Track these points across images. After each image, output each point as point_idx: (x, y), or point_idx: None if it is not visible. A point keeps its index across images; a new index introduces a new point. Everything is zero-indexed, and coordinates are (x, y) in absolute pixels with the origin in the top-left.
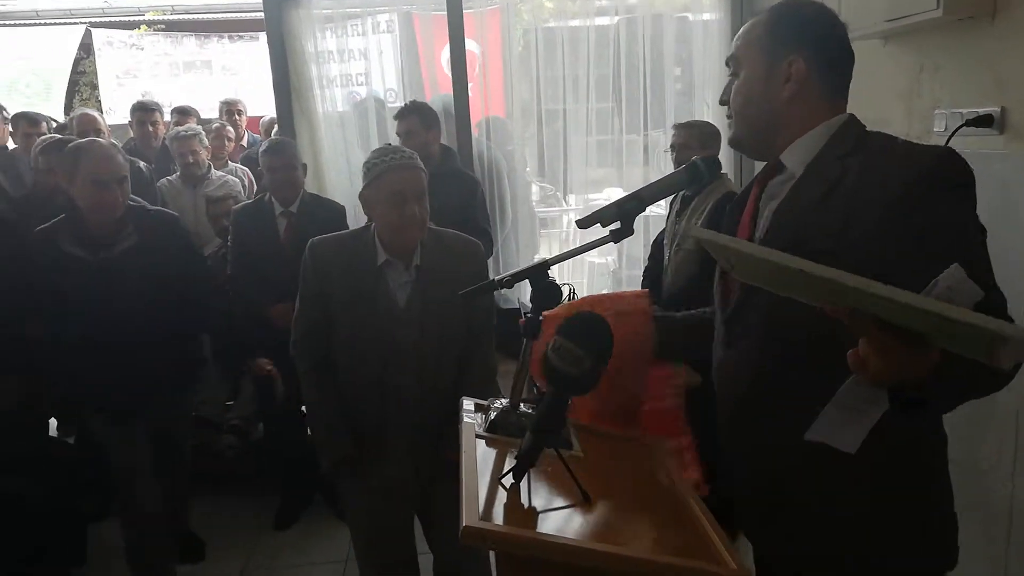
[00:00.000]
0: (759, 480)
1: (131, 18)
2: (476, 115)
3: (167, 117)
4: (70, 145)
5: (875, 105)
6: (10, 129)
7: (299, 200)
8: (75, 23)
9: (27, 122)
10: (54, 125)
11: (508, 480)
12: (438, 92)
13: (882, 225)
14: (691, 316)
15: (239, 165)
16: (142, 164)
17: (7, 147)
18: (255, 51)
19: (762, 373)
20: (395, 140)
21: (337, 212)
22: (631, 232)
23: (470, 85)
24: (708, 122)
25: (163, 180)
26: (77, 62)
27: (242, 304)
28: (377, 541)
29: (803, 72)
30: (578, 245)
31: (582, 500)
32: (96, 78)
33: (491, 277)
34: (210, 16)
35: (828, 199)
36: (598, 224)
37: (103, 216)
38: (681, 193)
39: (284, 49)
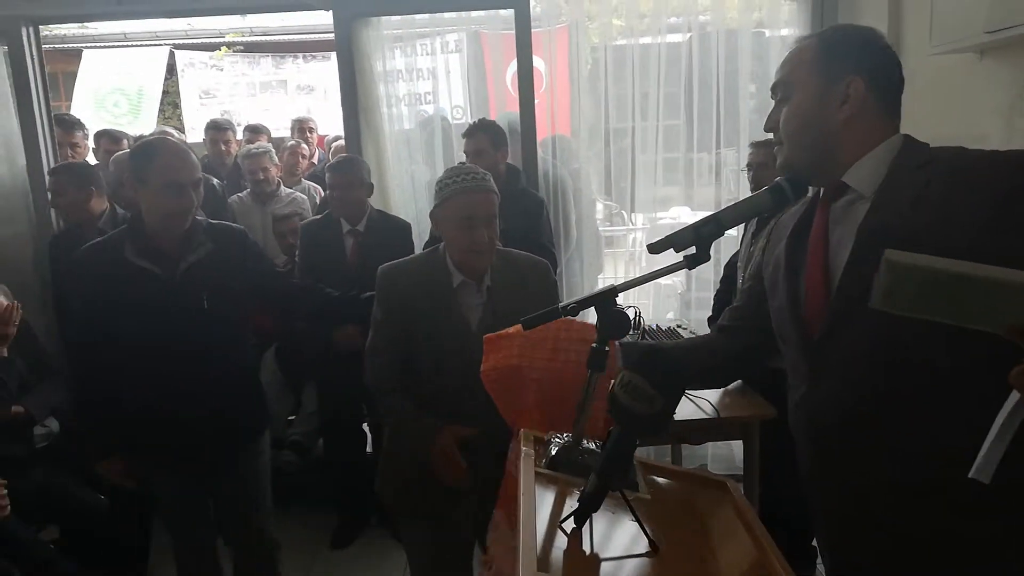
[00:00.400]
0: (864, 517)
1: (212, 40)
2: (542, 133)
3: (240, 135)
4: (140, 143)
5: (970, 122)
6: (92, 146)
7: (366, 218)
8: (160, 45)
9: (108, 139)
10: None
11: (569, 525)
12: (504, 110)
13: (986, 224)
14: (660, 345)
15: (311, 183)
16: (215, 181)
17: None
18: (329, 71)
19: (865, 405)
20: (461, 158)
21: (403, 230)
22: (707, 258)
23: (536, 103)
24: None
25: (234, 197)
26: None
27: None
28: (435, 571)
29: (862, 92)
30: (646, 267)
31: (649, 548)
32: (179, 98)
33: (559, 298)
34: (286, 38)
35: (917, 208)
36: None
37: (176, 224)
38: None
39: (353, 68)
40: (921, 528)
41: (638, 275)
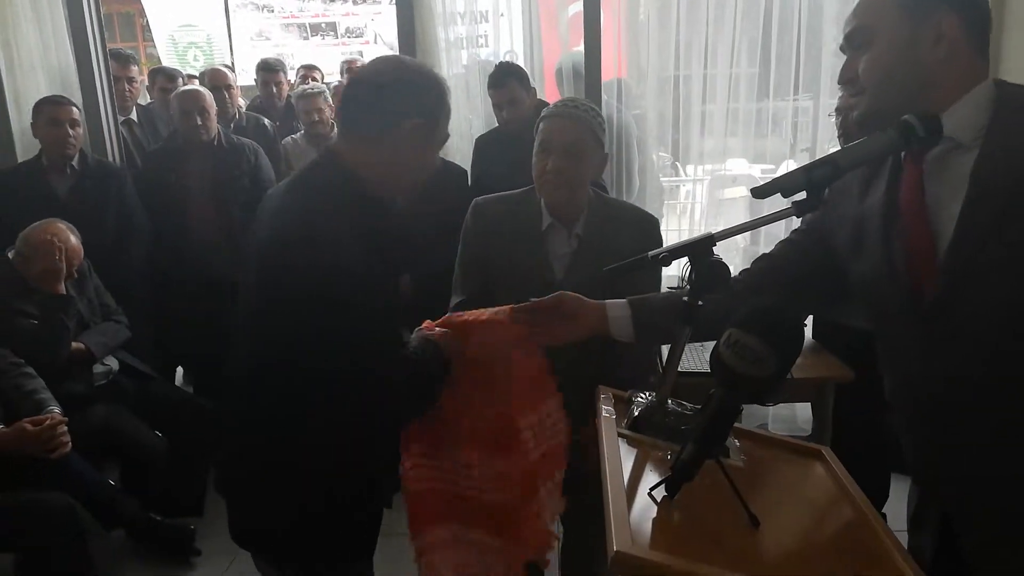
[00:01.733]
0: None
1: None
2: (606, 75)
3: (291, 76)
4: (437, 79)
5: None
6: (147, 83)
7: None
8: None
9: (164, 77)
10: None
11: (658, 493)
12: (566, 51)
13: None
14: (674, 293)
15: None
16: (267, 121)
17: (140, 103)
18: (378, 15)
19: (1002, 369)
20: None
21: (458, 176)
22: (819, 204)
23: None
24: None
25: (288, 139)
26: None
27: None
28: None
29: (956, 29)
30: (699, 220)
31: (748, 523)
32: (230, 39)
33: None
34: None
35: None
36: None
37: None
38: None
39: (412, 8)
40: None
41: (693, 228)
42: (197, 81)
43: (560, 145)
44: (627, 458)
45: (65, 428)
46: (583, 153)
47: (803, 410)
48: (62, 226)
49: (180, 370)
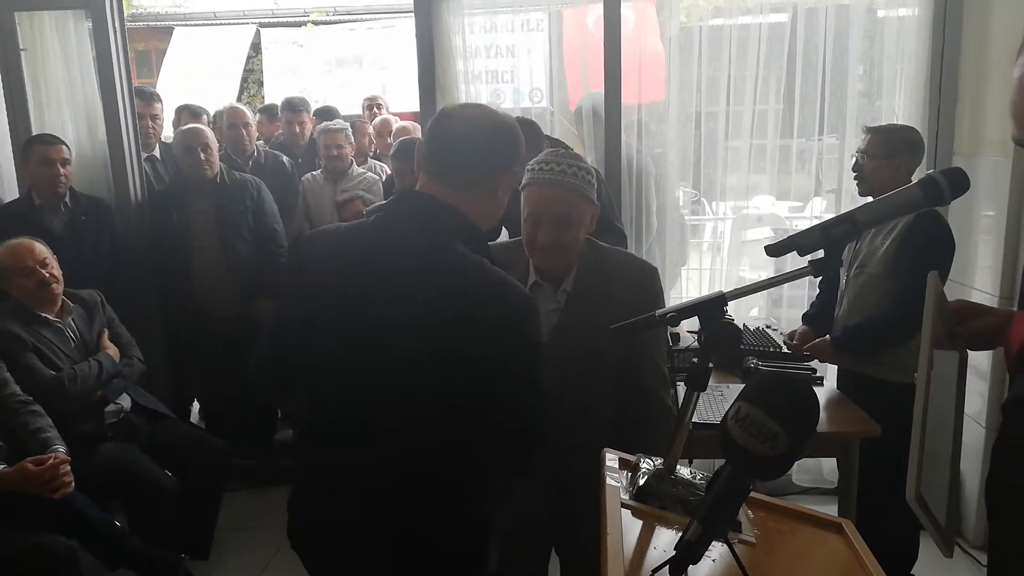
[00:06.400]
0: None
1: (297, 19)
2: (628, 111)
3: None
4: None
5: None
6: (172, 119)
7: None
8: (247, 23)
9: (189, 113)
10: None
11: (663, 574)
12: (587, 91)
13: None
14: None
15: (376, 161)
16: (285, 159)
17: (163, 140)
18: (405, 47)
19: None
20: None
21: None
22: (838, 264)
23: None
24: (910, 127)
25: (307, 175)
26: (248, 60)
27: None
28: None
29: None
30: (727, 259)
31: None
32: (262, 75)
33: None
34: (370, 17)
35: None
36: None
37: None
38: None
39: (432, 43)
40: None
41: (722, 269)
42: (225, 115)
43: (551, 216)
44: (631, 531)
45: (68, 468)
46: (576, 221)
47: (829, 460)
48: (29, 242)
49: (196, 405)
